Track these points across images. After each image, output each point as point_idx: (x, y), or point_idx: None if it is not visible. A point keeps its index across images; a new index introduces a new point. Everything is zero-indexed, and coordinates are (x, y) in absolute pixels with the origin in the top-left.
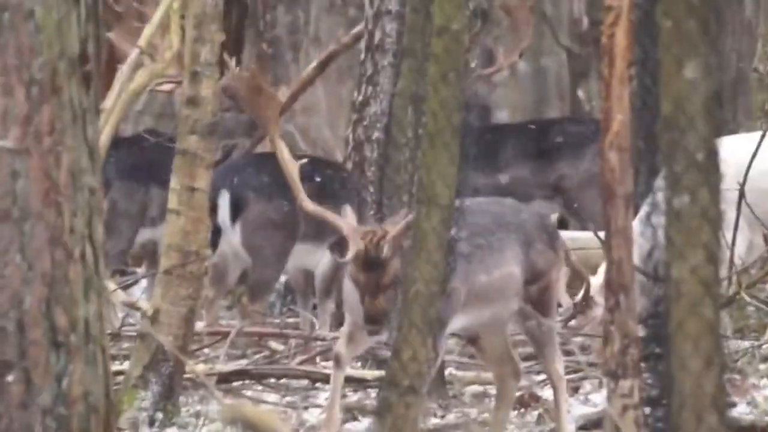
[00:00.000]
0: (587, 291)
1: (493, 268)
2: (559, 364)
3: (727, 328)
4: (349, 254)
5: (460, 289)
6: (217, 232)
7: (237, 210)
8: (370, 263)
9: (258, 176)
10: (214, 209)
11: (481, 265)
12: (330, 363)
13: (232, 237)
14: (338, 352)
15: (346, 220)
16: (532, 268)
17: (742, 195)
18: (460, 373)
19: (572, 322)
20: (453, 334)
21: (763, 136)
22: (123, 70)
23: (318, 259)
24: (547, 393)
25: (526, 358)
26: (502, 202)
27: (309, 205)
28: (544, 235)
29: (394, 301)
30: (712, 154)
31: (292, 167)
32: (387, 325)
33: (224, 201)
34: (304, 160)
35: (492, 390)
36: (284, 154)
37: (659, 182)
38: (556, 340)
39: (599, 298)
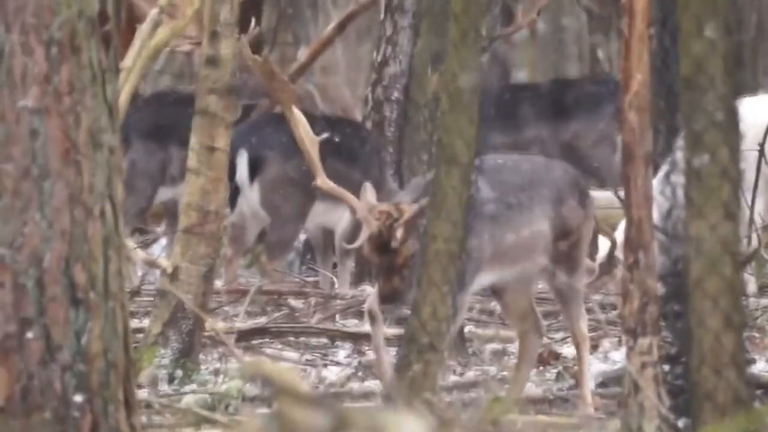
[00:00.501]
0: (613, 250)
1: (522, 227)
2: (583, 322)
3: (749, 286)
4: (362, 236)
5: (484, 247)
6: (235, 192)
7: (255, 169)
8: (384, 245)
9: (276, 135)
10: (232, 169)
11: (510, 225)
12: (349, 321)
13: (251, 196)
14: (371, 309)
15: (363, 199)
16: (562, 224)
17: (761, 155)
18: (479, 331)
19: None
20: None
21: None
22: (142, 28)
23: (338, 217)
24: (566, 351)
25: (545, 316)
26: (534, 158)
27: (326, 183)
28: (576, 192)
29: (410, 281)
30: (732, 114)
31: (312, 145)
32: (402, 304)
33: (242, 160)
34: (325, 136)
35: (511, 348)
36: (304, 132)
37: (680, 142)
38: (581, 299)
39: (622, 257)
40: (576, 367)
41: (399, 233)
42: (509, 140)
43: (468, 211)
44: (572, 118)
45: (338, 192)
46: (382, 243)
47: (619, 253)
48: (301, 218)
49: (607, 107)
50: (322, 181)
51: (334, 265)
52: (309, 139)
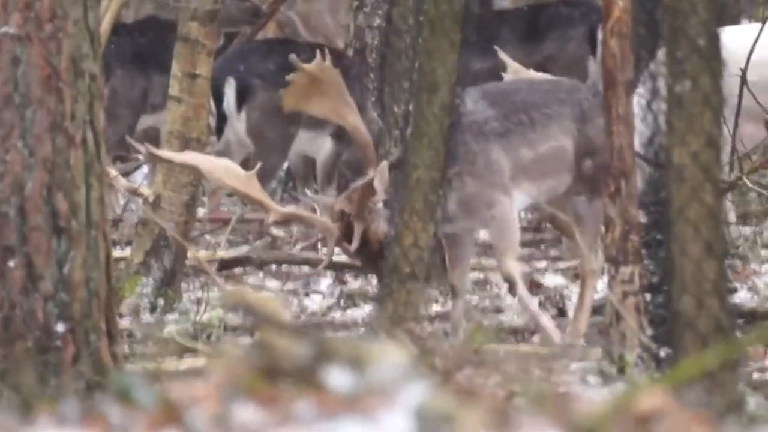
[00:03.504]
0: None
1: (538, 143)
2: (594, 256)
3: (729, 214)
4: (329, 246)
5: (501, 162)
6: (222, 120)
7: (242, 97)
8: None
9: (264, 64)
10: (219, 97)
11: (524, 141)
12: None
13: (237, 124)
14: (452, 284)
15: (321, 209)
16: (587, 142)
17: (743, 82)
18: None
19: None
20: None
21: (763, 26)
22: None
23: (320, 146)
24: (548, 280)
25: (527, 244)
26: (559, 81)
27: (279, 212)
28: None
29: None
30: (714, 40)
31: (248, 184)
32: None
33: (230, 88)
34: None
35: (492, 277)
36: (233, 177)
37: (655, 67)
38: (599, 229)
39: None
40: (557, 297)
41: (356, 230)
42: (487, 65)
43: (466, 133)
44: (542, 40)
45: (295, 215)
46: (350, 241)
47: None
48: (286, 147)
49: (577, 29)
50: (275, 213)
51: (315, 193)
52: (241, 180)
